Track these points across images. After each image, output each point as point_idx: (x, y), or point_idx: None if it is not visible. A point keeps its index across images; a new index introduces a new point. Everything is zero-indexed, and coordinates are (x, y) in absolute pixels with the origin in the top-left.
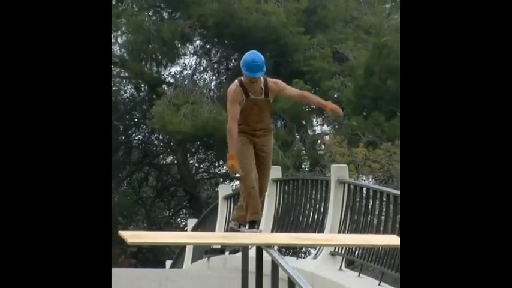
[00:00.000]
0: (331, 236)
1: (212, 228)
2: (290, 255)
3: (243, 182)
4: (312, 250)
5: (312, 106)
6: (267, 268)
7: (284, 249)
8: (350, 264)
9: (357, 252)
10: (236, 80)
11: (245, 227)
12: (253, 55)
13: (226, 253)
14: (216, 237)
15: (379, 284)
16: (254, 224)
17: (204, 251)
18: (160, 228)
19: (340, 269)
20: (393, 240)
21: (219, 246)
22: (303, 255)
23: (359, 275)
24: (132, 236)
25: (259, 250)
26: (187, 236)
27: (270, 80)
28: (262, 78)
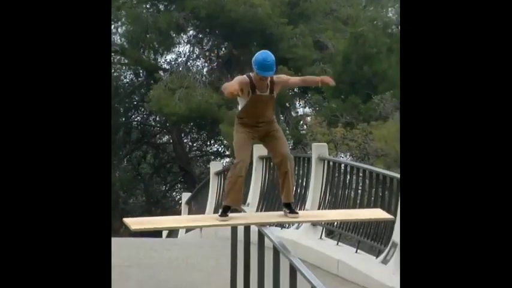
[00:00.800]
0: (320, 213)
1: (204, 201)
2: (275, 226)
3: (233, 169)
4: None
5: (295, 89)
6: (254, 237)
7: None
8: (329, 234)
9: (335, 222)
10: (245, 75)
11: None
12: (264, 54)
13: None
14: (213, 219)
15: (356, 251)
16: (228, 210)
17: None
18: (157, 202)
19: (320, 238)
20: (378, 213)
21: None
22: (286, 225)
23: (337, 243)
24: (135, 223)
25: None
26: (185, 220)
27: (274, 76)
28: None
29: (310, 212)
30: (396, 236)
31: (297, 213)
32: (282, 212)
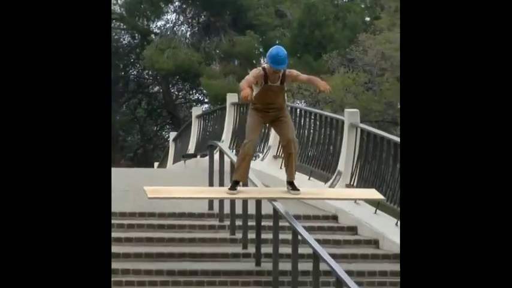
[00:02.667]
0: (318, 191)
1: (187, 139)
2: None
3: (243, 147)
4: (260, 154)
5: (260, 49)
6: (227, 167)
7: None
8: None
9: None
10: (260, 67)
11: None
12: (277, 49)
13: (198, 156)
14: (222, 191)
15: (309, 179)
16: (237, 184)
17: (182, 155)
18: (150, 139)
19: (280, 168)
20: (371, 193)
21: (192, 151)
22: (254, 158)
23: None
24: (153, 191)
25: (222, 154)
26: (198, 191)
27: (287, 70)
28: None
29: (309, 189)
30: (341, 166)
31: (299, 190)
32: (285, 188)
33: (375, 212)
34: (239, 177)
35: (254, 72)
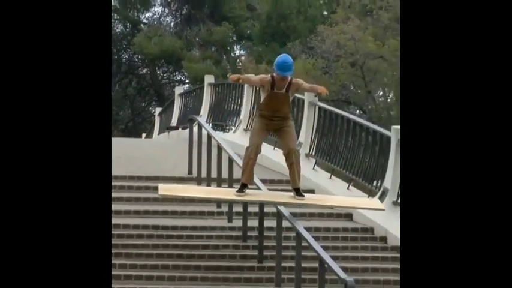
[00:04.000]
0: (322, 197)
1: (171, 114)
2: (219, 131)
3: (246, 152)
4: (232, 127)
5: (233, 37)
6: (204, 138)
7: (215, 127)
8: None
9: None
10: (269, 75)
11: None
12: (284, 57)
13: (180, 129)
14: (230, 193)
15: (274, 149)
16: (244, 187)
17: (166, 128)
18: (139, 114)
19: None
20: (373, 203)
21: (175, 124)
22: (227, 130)
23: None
24: (164, 189)
25: (200, 127)
26: (208, 192)
27: (293, 79)
28: (288, 76)
29: (314, 196)
30: (302, 138)
31: (303, 195)
32: (291, 193)
33: (330, 178)
34: (245, 180)
35: (262, 76)
